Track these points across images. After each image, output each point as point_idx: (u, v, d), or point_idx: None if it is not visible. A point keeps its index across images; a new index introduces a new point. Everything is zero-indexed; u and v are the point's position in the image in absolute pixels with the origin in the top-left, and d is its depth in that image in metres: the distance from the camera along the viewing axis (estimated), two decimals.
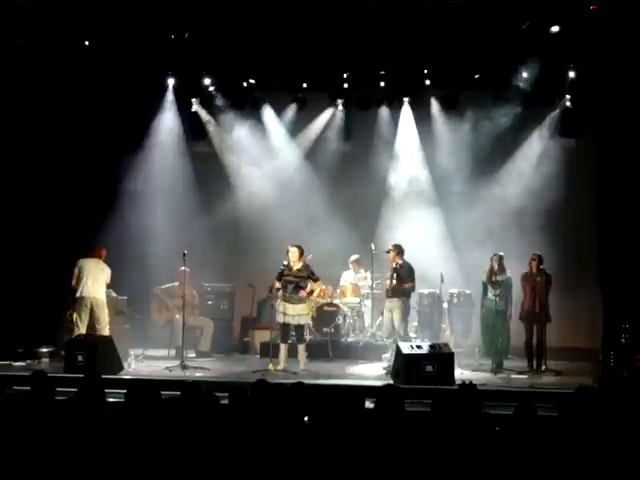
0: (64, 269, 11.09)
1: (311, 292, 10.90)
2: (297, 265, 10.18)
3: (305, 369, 10.12)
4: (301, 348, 10.23)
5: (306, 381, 5.76)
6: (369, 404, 5.04)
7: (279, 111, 13.04)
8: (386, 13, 10.15)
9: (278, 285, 10.16)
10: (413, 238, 11.16)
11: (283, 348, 10.15)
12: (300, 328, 10.27)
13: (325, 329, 11.50)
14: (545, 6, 9.97)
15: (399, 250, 10.54)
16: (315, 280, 10.41)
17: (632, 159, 11.40)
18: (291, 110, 12.96)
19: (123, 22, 10.42)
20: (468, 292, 11.65)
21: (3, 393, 5.60)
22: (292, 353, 10.30)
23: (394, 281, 10.35)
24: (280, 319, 10.16)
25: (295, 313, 10.11)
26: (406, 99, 12.82)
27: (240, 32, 10.62)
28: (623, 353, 9.02)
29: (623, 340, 9.08)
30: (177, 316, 11.23)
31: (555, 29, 10.31)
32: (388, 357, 10.31)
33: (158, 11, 10.29)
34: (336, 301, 11.90)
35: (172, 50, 11.17)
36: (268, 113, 13.03)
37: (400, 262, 10.47)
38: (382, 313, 10.74)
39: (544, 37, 10.42)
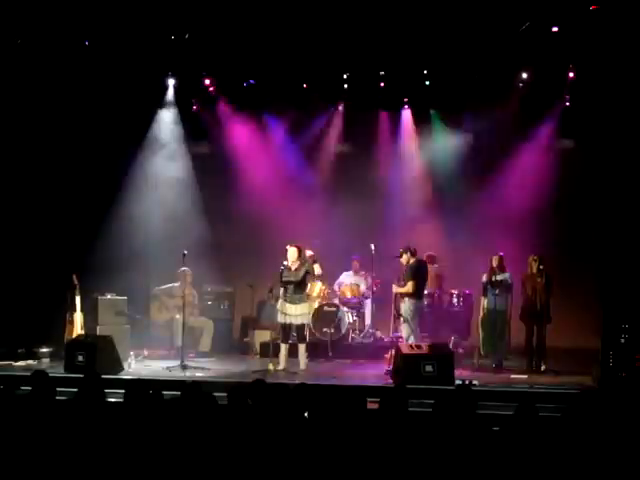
0: (64, 269, 11.10)
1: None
2: (296, 265, 10.18)
3: (305, 369, 10.12)
4: (302, 348, 10.21)
5: (307, 381, 5.77)
6: (371, 404, 5.05)
7: (279, 112, 13.05)
8: (386, 14, 10.17)
9: (281, 295, 10.14)
10: (413, 238, 11.15)
11: (284, 348, 10.14)
12: (301, 328, 10.25)
13: (325, 329, 11.50)
14: (545, 6, 9.97)
15: (406, 251, 10.52)
16: (312, 274, 10.33)
17: (632, 159, 11.45)
18: (291, 111, 12.98)
19: (123, 23, 10.44)
20: (468, 292, 11.65)
21: (13, 393, 5.61)
22: (293, 353, 10.30)
23: (401, 282, 10.39)
24: (281, 319, 10.15)
25: (296, 313, 10.10)
26: (406, 100, 12.84)
27: (240, 33, 10.64)
28: (622, 353, 9.02)
29: (622, 340, 9.08)
30: (177, 316, 11.24)
31: (555, 29, 10.32)
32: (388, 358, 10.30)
33: (158, 12, 10.30)
34: (336, 301, 11.92)
35: (172, 51, 11.19)
36: (268, 114, 13.04)
37: (407, 263, 10.48)
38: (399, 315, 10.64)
39: (544, 37, 10.43)
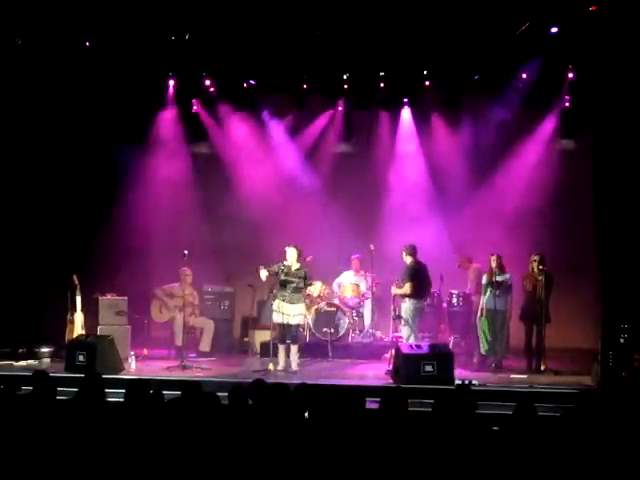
0: (65, 269, 11.11)
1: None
2: (295, 266, 10.18)
3: (297, 369, 10.08)
4: (294, 348, 10.14)
5: (306, 381, 5.78)
6: (371, 404, 5.07)
7: (279, 112, 13.06)
8: (386, 14, 10.18)
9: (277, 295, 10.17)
10: (413, 238, 11.16)
11: (282, 349, 10.13)
12: (295, 328, 10.22)
13: (325, 329, 11.51)
14: (544, 7, 9.98)
15: (406, 251, 10.53)
16: (308, 285, 10.40)
17: (631, 159, 11.46)
18: (291, 111, 13.00)
19: (124, 23, 10.45)
20: (468, 292, 11.66)
21: (13, 393, 5.63)
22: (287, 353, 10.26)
23: (400, 284, 10.40)
24: (278, 319, 10.14)
25: (293, 313, 10.10)
26: (406, 100, 12.85)
27: (240, 33, 10.66)
28: (622, 353, 9.04)
29: (622, 340, 9.10)
30: (177, 316, 11.27)
31: (555, 30, 10.34)
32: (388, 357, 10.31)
33: (159, 12, 10.32)
34: (336, 301, 11.93)
35: (173, 51, 11.20)
36: (268, 114, 13.06)
37: (407, 263, 10.49)
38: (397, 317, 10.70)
39: (544, 38, 10.45)
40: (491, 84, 11.79)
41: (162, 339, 11.79)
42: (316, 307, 11.60)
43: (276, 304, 10.16)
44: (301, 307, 10.19)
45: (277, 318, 10.15)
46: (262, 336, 11.50)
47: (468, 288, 11.54)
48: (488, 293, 10.39)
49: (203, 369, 10.12)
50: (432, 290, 11.49)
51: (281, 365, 10.02)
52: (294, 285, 10.11)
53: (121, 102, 12.10)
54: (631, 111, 11.28)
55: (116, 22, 10.46)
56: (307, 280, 10.24)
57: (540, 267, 10.16)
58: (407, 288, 10.29)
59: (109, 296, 11.18)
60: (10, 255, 11.82)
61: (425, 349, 9.37)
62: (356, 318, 12.04)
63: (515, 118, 12.10)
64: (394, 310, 10.51)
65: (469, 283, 11.58)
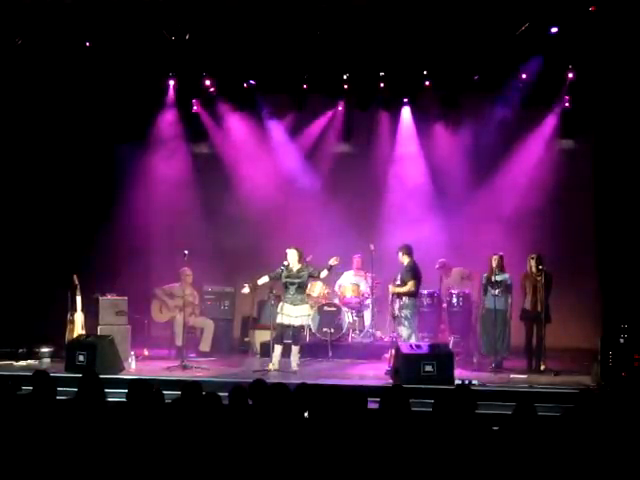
0: (64, 269, 11.12)
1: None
2: (297, 266, 10.18)
3: (297, 370, 10.07)
4: (295, 349, 10.15)
5: (306, 381, 5.78)
6: (371, 404, 5.07)
7: (279, 112, 13.07)
8: (386, 14, 10.19)
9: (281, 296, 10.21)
10: (413, 238, 11.17)
11: (278, 349, 10.10)
12: (298, 329, 10.23)
13: (325, 329, 11.51)
14: (544, 7, 9.99)
15: (403, 250, 10.55)
16: (317, 277, 10.40)
17: (631, 159, 11.46)
18: (291, 111, 13.00)
19: (124, 24, 10.46)
20: (468, 292, 11.66)
21: (14, 394, 5.63)
22: (285, 354, 10.24)
23: (398, 282, 10.40)
24: (280, 319, 10.14)
25: (296, 314, 10.10)
26: (406, 100, 12.86)
27: (240, 33, 10.66)
28: (622, 353, 9.05)
29: (622, 340, 9.10)
30: (177, 316, 11.27)
31: (555, 30, 10.35)
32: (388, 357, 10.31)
33: (159, 13, 10.32)
34: (336, 301, 11.93)
35: (173, 51, 11.21)
36: (268, 114, 13.06)
37: (404, 263, 10.49)
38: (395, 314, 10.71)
39: (543, 38, 10.46)
40: (491, 84, 11.80)
41: (162, 339, 11.79)
42: (317, 307, 11.59)
43: (280, 305, 10.17)
44: (303, 308, 10.19)
45: (278, 318, 10.15)
46: (262, 336, 11.51)
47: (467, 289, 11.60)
48: (488, 293, 10.40)
49: (203, 369, 10.12)
50: (432, 290, 11.54)
51: (276, 365, 10.01)
52: (297, 286, 10.11)
53: (121, 102, 12.11)
54: (631, 111, 11.28)
55: (116, 22, 10.46)
56: (315, 274, 10.20)
57: (539, 267, 10.16)
58: (410, 286, 10.29)
59: (109, 296, 11.17)
60: (10, 255, 11.82)
61: (425, 349, 9.37)
62: (356, 318, 12.05)
63: (515, 118, 12.09)
64: (393, 310, 10.50)
65: (458, 284, 11.62)
